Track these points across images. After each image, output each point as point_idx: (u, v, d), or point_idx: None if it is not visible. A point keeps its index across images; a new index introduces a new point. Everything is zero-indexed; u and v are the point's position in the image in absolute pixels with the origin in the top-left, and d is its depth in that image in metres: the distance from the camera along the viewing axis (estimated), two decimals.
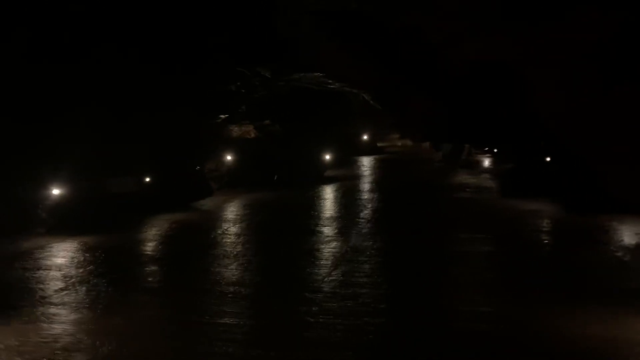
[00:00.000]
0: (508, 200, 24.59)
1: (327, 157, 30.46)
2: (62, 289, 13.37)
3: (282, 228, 20.47)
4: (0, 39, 16.87)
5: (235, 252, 16.74)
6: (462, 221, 21.20)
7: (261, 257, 16.41)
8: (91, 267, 15.28)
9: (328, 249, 16.96)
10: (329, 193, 27.49)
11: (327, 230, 19.65)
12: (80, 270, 14.93)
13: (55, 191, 19.38)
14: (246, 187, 27.50)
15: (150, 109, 21.92)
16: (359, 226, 20.14)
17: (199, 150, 25.86)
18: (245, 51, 20.18)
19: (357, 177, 32.04)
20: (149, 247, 17.97)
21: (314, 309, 11.93)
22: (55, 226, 19.18)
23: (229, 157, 27.74)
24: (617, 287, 13.48)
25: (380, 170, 35.08)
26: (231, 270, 14.87)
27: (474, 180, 30.51)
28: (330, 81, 23.37)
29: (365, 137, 40.86)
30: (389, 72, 19.88)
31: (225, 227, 20.37)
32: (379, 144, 43.91)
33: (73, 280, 14.08)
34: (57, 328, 11.17)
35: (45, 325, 11.32)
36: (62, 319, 11.65)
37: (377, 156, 40.56)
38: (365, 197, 26.35)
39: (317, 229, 19.94)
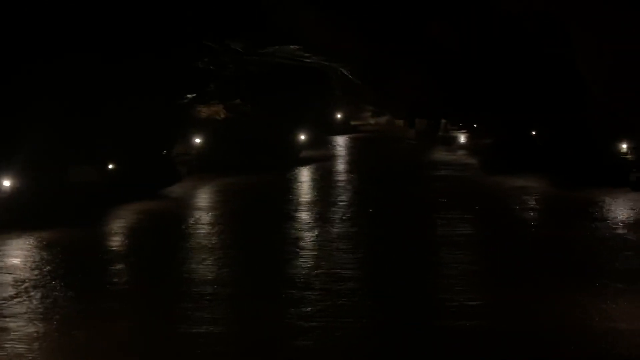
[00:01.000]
0: (491, 176, 23.39)
1: (303, 137, 28.75)
2: (12, 297, 11.45)
3: (259, 215, 18.80)
4: None
5: (210, 245, 15.05)
6: (446, 201, 19.90)
7: (239, 249, 14.78)
8: (48, 267, 13.37)
9: (311, 238, 15.43)
10: (305, 175, 25.86)
11: (308, 217, 18.09)
12: (36, 273, 13.00)
13: (6, 183, 17.32)
14: (217, 171, 25.59)
15: (112, 94, 19.98)
16: (341, 211, 18.62)
17: (166, 134, 23.89)
18: (213, 23, 18.22)
19: (333, 158, 30.45)
20: (114, 241, 16.12)
21: (306, 310, 10.39)
22: (9, 221, 17.13)
23: (198, 140, 25.81)
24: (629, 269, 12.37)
25: (356, 149, 33.53)
26: (207, 267, 13.18)
27: (454, 157, 29.25)
28: (307, 54, 21.55)
29: (339, 116, 39.17)
30: (373, 43, 18.24)
31: (198, 216, 18.62)
32: (352, 123, 42.27)
33: (26, 284, 12.16)
34: (6, 347, 9.36)
35: None
36: (10, 335, 9.80)
37: (351, 135, 38.91)
38: (344, 178, 24.83)
39: (297, 214, 18.36)
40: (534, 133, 23.19)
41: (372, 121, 46.79)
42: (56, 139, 17.96)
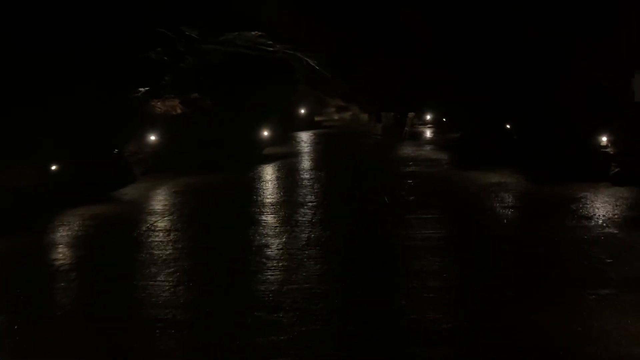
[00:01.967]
0: (464, 172, 22.01)
1: (266, 133, 26.91)
2: None
3: (221, 219, 16.96)
4: None
5: (164, 256, 13.16)
6: (418, 200, 18.41)
7: (198, 260, 12.92)
8: None
9: (279, 245, 13.68)
10: (269, 174, 24.06)
11: (273, 220, 16.33)
12: None
13: None
14: (175, 171, 23.59)
15: (54, 87, 17.84)
16: (308, 213, 16.91)
17: (117, 130, 21.75)
18: (166, 7, 16.22)
19: (297, 154, 28.71)
20: (56, 253, 14.03)
21: (277, 339, 8.67)
22: None
23: (153, 137, 23.71)
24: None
25: (321, 146, 31.85)
26: (160, 284, 11.32)
27: (422, 152, 27.84)
28: (270, 42, 19.66)
29: (303, 112, 37.42)
30: (341, 31, 16.54)
31: (152, 221, 16.65)
32: (316, 119, 40.61)
33: None
34: None
35: None
36: None
37: (315, 131, 37.22)
38: (309, 176, 23.09)
39: (262, 217, 16.59)
40: (508, 126, 21.94)
41: (336, 116, 45.30)
42: None
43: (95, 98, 19.79)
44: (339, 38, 17.34)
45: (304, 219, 16.28)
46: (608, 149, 18.70)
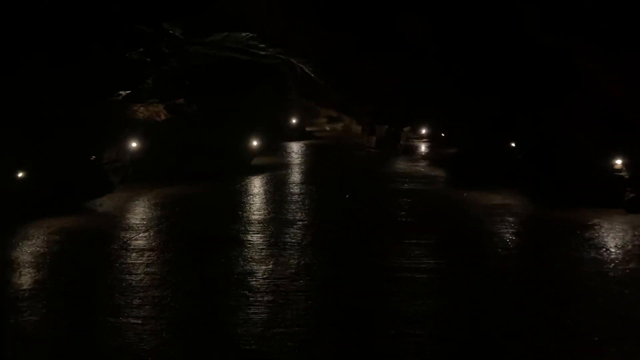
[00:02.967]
0: (463, 192, 20.44)
1: (255, 143, 25.19)
2: None
3: (201, 237, 15.18)
4: None
5: (134, 283, 11.38)
6: (414, 222, 16.73)
7: (172, 290, 11.12)
8: None
9: (265, 273, 11.92)
10: (257, 186, 22.33)
11: (260, 241, 14.59)
12: None
13: None
14: (156, 180, 21.82)
15: (24, 88, 16.10)
16: (298, 234, 15.20)
17: (94, 136, 19.94)
18: (146, 1, 14.48)
19: (287, 166, 27.00)
20: (11, 276, 12.13)
21: None
22: None
23: (134, 144, 21.89)
24: None
25: (312, 157, 30.17)
26: (124, 322, 9.52)
27: (418, 168, 26.26)
28: (262, 45, 17.93)
29: (294, 121, 35.75)
30: (338, 36, 14.93)
31: (126, 238, 14.85)
32: (307, 129, 38.98)
33: None
34: None
35: None
36: None
37: (306, 142, 35.58)
38: (300, 191, 21.39)
39: (247, 237, 14.85)
40: (513, 145, 20.38)
41: (327, 127, 43.83)
42: None
43: (71, 101, 18.04)
44: (336, 43, 15.77)
45: (293, 240, 14.57)
46: (622, 173, 17.17)
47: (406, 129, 30.75)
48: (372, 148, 31.09)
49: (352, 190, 21.47)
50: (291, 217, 17.05)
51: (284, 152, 31.60)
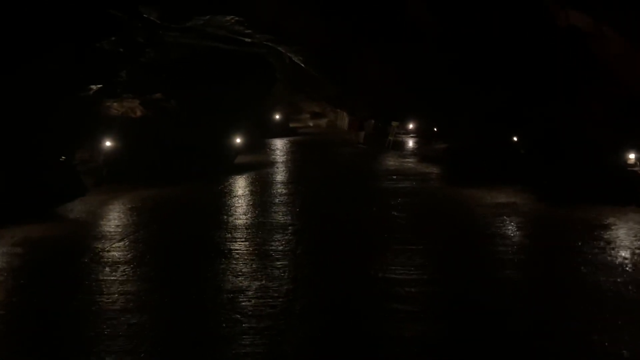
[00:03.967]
0: (462, 189, 19.02)
1: (238, 140, 23.50)
2: None
3: (183, 247, 13.49)
4: None
5: (105, 306, 9.66)
6: (416, 225, 15.19)
7: (150, 315, 9.40)
8: None
9: (257, 291, 10.26)
10: (242, 187, 20.68)
11: (249, 250, 12.95)
12: None
13: None
14: (132, 182, 20.05)
15: None
16: (291, 241, 13.62)
17: (65, 135, 18.13)
18: None
19: (273, 164, 25.37)
20: None
21: None
22: None
23: (108, 143, 20.09)
24: None
25: (298, 155, 28.55)
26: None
27: (410, 165, 24.84)
28: (249, 31, 16.17)
29: (277, 117, 34.10)
30: (333, 22, 13.32)
31: (99, 249, 13.10)
32: (291, 125, 37.39)
33: None
34: None
35: None
36: None
37: (291, 138, 33.95)
38: (288, 191, 19.81)
39: (234, 246, 13.20)
40: (515, 139, 19.00)
41: (310, 123, 42.44)
42: None
43: (37, 96, 16.21)
44: (331, 30, 14.17)
45: (286, 248, 12.97)
46: (636, 168, 15.92)
47: (395, 123, 29.34)
48: (361, 144, 29.63)
49: (343, 190, 19.98)
50: (281, 221, 15.45)
51: (268, 150, 29.95)
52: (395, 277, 10.93)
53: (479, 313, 9.33)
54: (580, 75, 15.08)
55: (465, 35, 14.10)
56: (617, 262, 11.73)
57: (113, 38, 15.18)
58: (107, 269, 11.72)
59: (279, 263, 11.89)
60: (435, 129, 27.01)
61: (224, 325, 8.78)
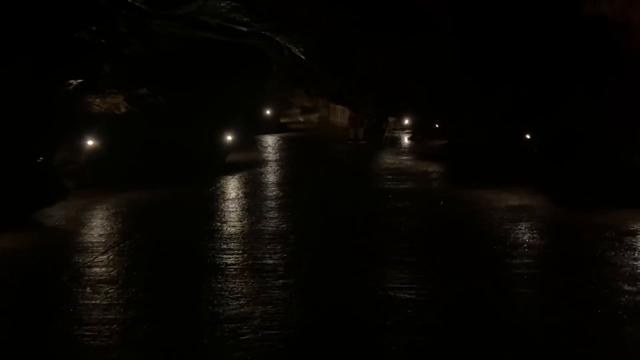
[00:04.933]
0: (470, 190, 17.61)
1: (229, 138, 21.92)
2: None
3: (174, 261, 11.97)
4: None
5: (90, 339, 8.13)
6: (424, 232, 13.79)
7: (144, 353, 7.92)
8: None
9: (262, 320, 8.74)
10: (234, 189, 19.14)
11: (244, 264, 11.45)
12: None
13: None
14: (117, 184, 18.39)
15: None
16: (293, 254, 12.14)
17: (42, 133, 16.44)
18: None
19: (266, 163, 23.84)
20: None
21: None
22: None
23: (90, 142, 18.42)
24: None
25: (291, 153, 27.02)
26: None
27: (411, 164, 23.42)
28: (246, 19, 14.57)
29: (268, 113, 32.52)
30: (338, 10, 11.82)
31: (79, 264, 11.53)
32: (281, 120, 35.83)
33: None
34: None
35: None
36: None
37: (282, 134, 32.38)
38: (283, 194, 18.33)
39: (229, 260, 11.68)
40: (528, 136, 17.65)
41: (301, 118, 40.93)
42: None
43: (11, 92, 14.53)
44: (337, 20, 12.72)
45: (289, 262, 11.51)
46: None
47: (391, 119, 27.93)
48: (361, 140, 28.18)
49: (342, 192, 18.54)
50: (280, 229, 13.97)
51: (260, 147, 28.40)
52: (409, 298, 9.54)
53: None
54: (603, 69, 13.78)
55: (482, 26, 12.75)
56: None
57: (93, 28, 13.51)
58: (88, 289, 10.17)
59: (282, 281, 10.43)
60: (437, 125, 25.62)
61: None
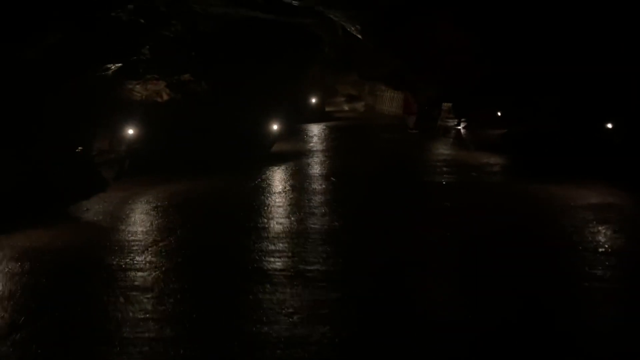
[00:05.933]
0: (540, 186, 15.60)
1: (275, 127, 20.48)
2: None
3: (218, 265, 10.56)
4: None
5: (136, 347, 6.82)
6: (497, 240, 11.77)
7: None
8: None
9: (315, 350, 7.27)
10: (280, 181, 17.68)
11: (294, 271, 9.93)
12: None
13: None
14: (158, 175, 17.25)
15: None
16: (344, 261, 10.55)
17: (80, 122, 15.35)
18: None
19: (312, 154, 22.30)
20: None
21: None
22: None
23: (130, 131, 17.25)
24: None
25: (338, 142, 25.40)
26: None
27: (469, 155, 21.51)
28: None
29: (313, 101, 30.98)
30: None
31: (115, 267, 10.26)
32: (326, 109, 34.23)
33: None
34: None
35: None
36: None
37: (328, 123, 30.79)
38: (332, 187, 16.78)
39: (275, 265, 10.22)
40: (609, 126, 15.54)
41: (346, 107, 39.29)
42: None
43: (46, 79, 13.39)
44: None
45: (344, 269, 9.97)
46: None
47: (446, 105, 25.95)
48: (412, 129, 26.33)
49: (394, 187, 16.86)
50: (331, 229, 12.42)
51: (305, 136, 26.88)
52: (476, 324, 7.84)
53: None
54: None
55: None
56: None
57: (130, 6, 12.18)
58: (122, 299, 8.85)
59: (338, 293, 8.90)
60: (498, 113, 23.52)
61: None
